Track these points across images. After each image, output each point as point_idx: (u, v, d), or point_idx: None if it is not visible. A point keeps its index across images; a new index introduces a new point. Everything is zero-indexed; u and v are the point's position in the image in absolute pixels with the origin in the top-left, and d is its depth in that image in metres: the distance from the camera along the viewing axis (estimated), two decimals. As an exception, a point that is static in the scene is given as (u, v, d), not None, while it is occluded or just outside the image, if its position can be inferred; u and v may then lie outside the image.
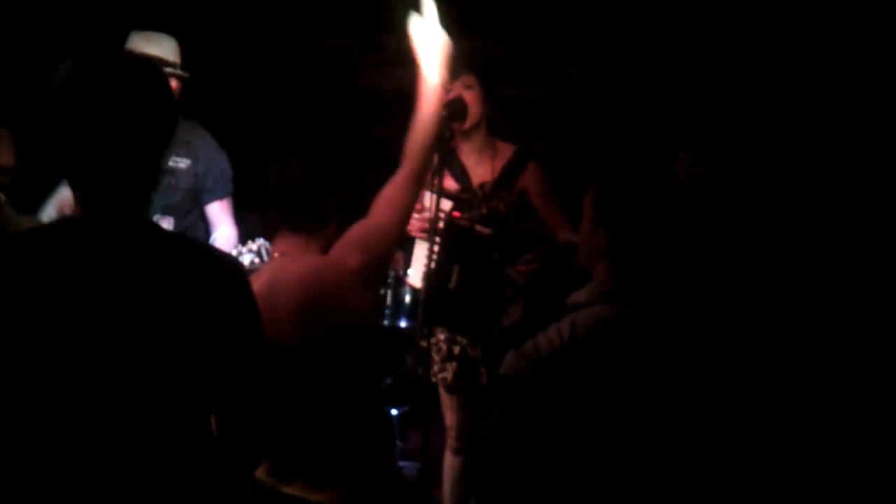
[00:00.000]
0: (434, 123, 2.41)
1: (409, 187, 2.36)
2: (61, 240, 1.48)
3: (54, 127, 1.48)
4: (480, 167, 3.75)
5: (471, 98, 3.62)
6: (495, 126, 3.83)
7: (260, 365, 1.59)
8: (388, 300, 4.36)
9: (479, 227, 3.53)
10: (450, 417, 3.75)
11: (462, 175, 3.73)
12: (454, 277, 3.43)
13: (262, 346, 1.60)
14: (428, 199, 3.51)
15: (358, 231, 2.31)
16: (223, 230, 3.54)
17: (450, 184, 3.66)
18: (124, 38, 3.48)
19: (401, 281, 4.31)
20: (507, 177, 3.70)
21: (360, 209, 2.37)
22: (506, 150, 3.77)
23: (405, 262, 3.94)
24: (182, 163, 3.41)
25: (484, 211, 3.64)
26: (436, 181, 3.16)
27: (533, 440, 1.67)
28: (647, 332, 1.64)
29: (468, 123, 3.62)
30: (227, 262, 1.60)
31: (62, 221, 1.55)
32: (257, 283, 2.06)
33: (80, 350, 1.45)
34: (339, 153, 2.36)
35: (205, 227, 3.58)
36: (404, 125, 3.89)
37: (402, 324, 4.40)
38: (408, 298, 4.40)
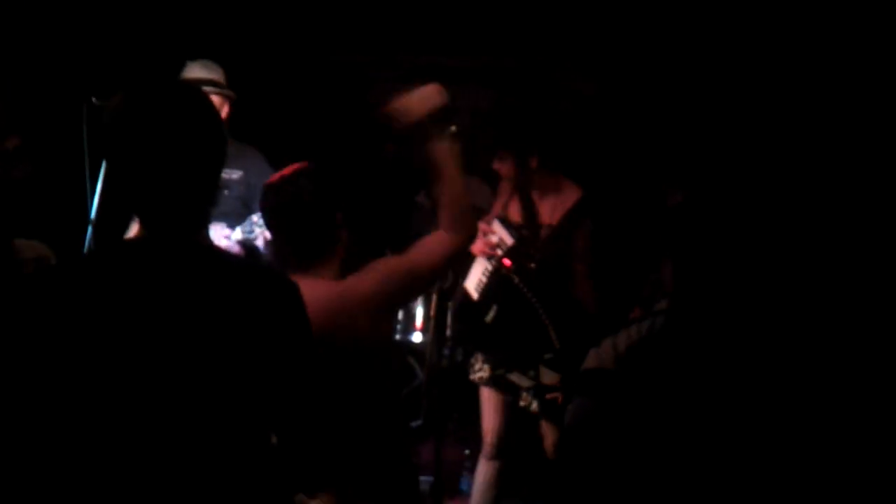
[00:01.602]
0: (457, 179, 2.36)
1: (448, 241, 2.34)
2: (123, 263, 1.53)
3: (112, 156, 1.54)
4: (545, 204, 3.82)
5: (505, 171, 3.73)
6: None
7: (315, 381, 1.63)
8: (400, 315, 4.41)
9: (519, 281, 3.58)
10: (487, 421, 3.81)
11: (528, 207, 3.80)
12: (491, 314, 3.56)
13: (316, 364, 1.64)
14: (496, 226, 3.67)
15: (388, 265, 2.31)
16: None
17: (515, 213, 3.76)
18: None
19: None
20: (565, 229, 3.76)
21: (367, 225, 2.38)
22: (571, 194, 3.83)
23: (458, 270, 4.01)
24: (234, 174, 3.64)
25: (533, 265, 3.66)
26: (506, 209, 3.27)
27: (615, 427, 1.72)
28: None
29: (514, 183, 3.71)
30: (281, 281, 1.64)
31: (126, 243, 1.60)
32: None
33: (141, 370, 1.49)
34: (343, 173, 2.38)
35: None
36: (415, 142, 3.96)
37: (415, 338, 4.44)
38: (420, 312, 4.45)
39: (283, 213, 2.32)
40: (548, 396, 3.56)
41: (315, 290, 2.27)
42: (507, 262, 3.63)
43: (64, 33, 4.71)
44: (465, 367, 3.87)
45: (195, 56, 3.84)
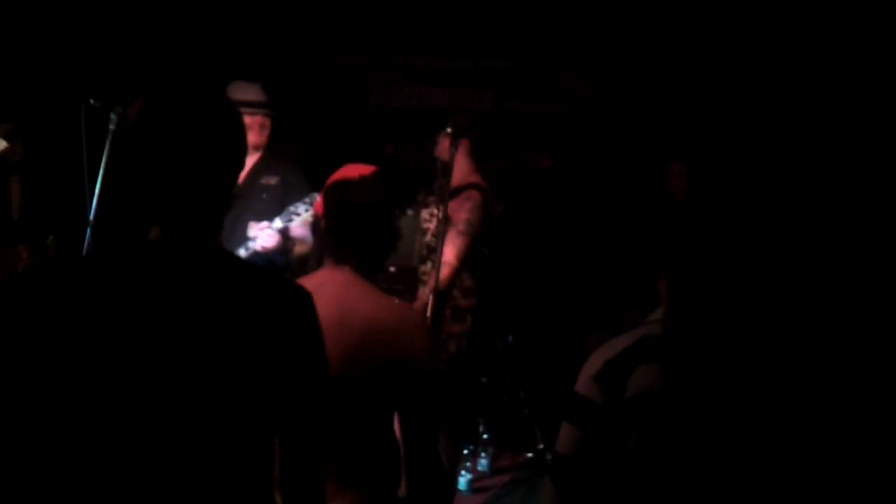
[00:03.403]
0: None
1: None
2: (136, 264, 1.53)
3: (130, 159, 1.54)
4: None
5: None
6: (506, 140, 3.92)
7: (323, 392, 1.62)
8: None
9: None
10: None
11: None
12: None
13: (325, 375, 1.62)
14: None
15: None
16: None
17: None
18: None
19: None
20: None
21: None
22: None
23: None
24: (272, 180, 3.84)
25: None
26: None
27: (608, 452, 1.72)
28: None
29: None
30: (295, 291, 1.62)
31: (138, 244, 1.59)
32: (320, 297, 2.15)
33: (141, 371, 1.48)
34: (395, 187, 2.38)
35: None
36: (414, 143, 4.00)
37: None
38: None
39: (355, 213, 2.29)
40: None
41: (378, 300, 2.25)
42: None
43: (63, 35, 4.73)
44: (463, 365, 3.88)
45: (194, 57, 3.83)
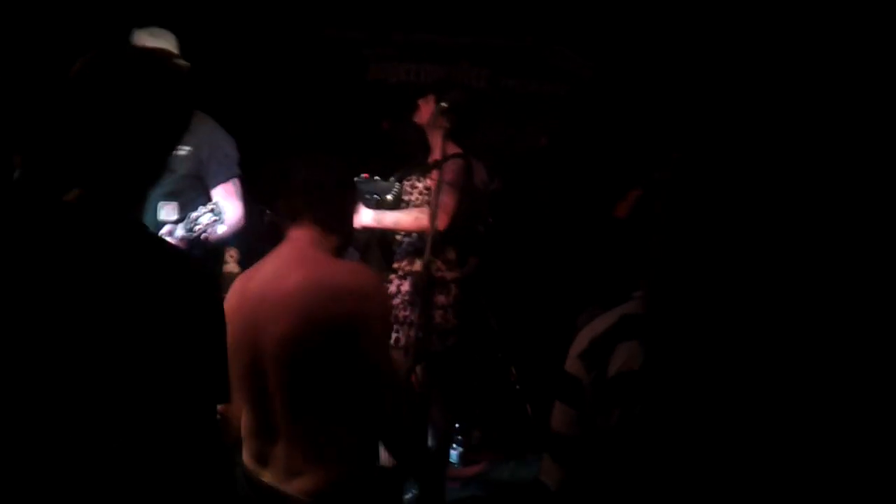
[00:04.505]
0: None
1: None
2: (40, 223, 1.44)
3: (66, 118, 1.47)
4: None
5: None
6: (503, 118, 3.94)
7: (206, 382, 1.47)
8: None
9: None
10: None
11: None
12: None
13: (221, 363, 1.49)
14: None
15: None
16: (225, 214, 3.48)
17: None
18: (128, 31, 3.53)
19: None
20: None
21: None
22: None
23: None
24: (182, 150, 3.40)
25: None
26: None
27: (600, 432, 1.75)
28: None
29: None
30: (201, 274, 1.51)
31: (54, 204, 1.47)
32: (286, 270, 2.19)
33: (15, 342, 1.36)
34: (358, 155, 2.44)
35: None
36: (412, 118, 4.01)
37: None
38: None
39: (311, 183, 2.37)
40: None
41: (338, 268, 2.32)
42: None
43: (67, 29, 4.71)
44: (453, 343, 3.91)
45: (182, 25, 3.66)
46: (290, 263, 2.31)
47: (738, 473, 1.64)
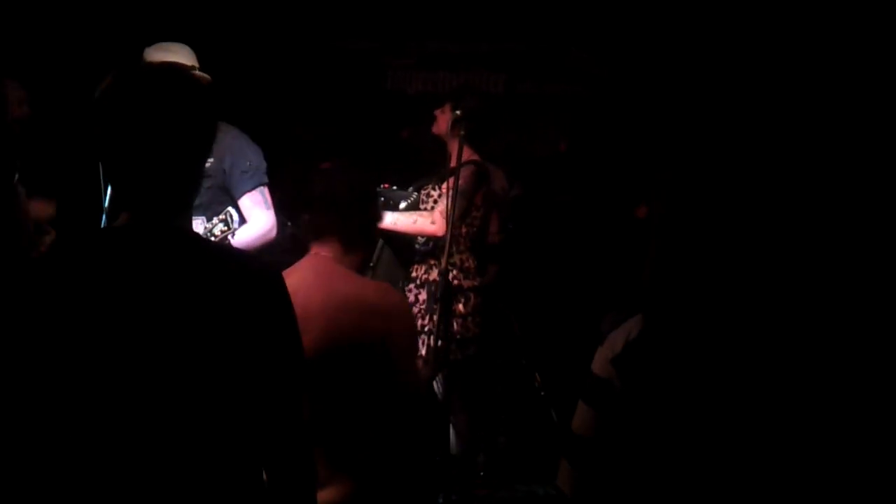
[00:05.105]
0: None
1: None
2: (104, 251, 1.50)
3: (100, 136, 1.50)
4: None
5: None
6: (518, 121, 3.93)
7: (298, 373, 1.57)
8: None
9: None
10: None
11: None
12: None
13: (299, 356, 1.58)
14: None
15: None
16: (251, 224, 3.50)
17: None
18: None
19: None
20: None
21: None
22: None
23: None
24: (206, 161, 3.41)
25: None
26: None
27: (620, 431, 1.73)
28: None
29: None
30: (267, 273, 1.58)
31: (107, 230, 1.56)
32: (305, 281, 2.18)
33: (116, 361, 1.45)
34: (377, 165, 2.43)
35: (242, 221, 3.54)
36: (430, 127, 4.02)
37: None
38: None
39: (334, 199, 2.35)
40: None
41: (364, 283, 2.33)
42: None
43: (79, 27, 4.76)
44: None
45: (201, 36, 3.66)
46: (316, 279, 2.30)
47: (744, 475, 1.63)
